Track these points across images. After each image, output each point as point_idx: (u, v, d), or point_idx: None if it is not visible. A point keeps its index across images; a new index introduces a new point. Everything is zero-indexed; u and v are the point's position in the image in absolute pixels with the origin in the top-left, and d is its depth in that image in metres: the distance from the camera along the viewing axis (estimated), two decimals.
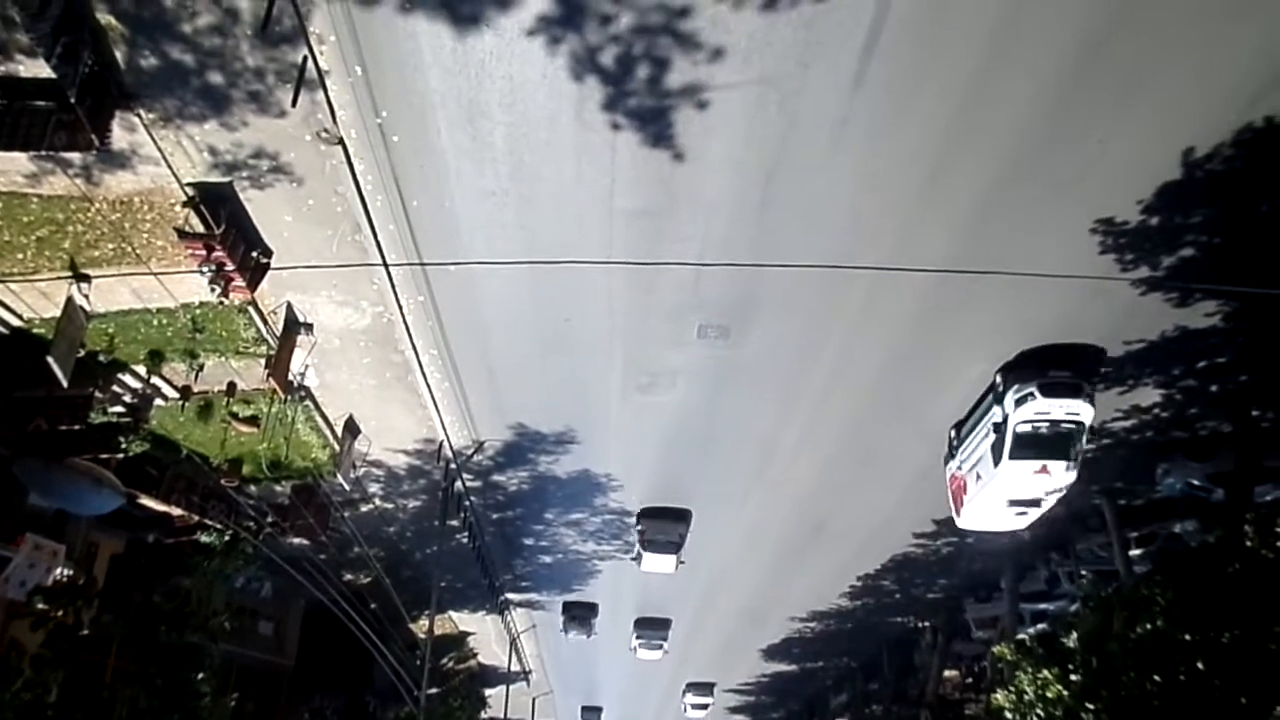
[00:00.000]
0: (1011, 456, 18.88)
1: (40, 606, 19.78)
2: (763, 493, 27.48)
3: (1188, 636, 16.20)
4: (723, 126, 14.04)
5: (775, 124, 13.97)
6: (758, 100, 13.56)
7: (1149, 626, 17.03)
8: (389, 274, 17.67)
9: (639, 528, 29.64)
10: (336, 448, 24.67)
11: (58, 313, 17.13)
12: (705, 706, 55.72)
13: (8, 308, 17.86)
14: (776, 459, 25.21)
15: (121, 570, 26.65)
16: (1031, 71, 13.04)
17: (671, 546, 29.44)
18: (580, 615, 39.65)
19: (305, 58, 13.00)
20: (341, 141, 14.60)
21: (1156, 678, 16.30)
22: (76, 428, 20.07)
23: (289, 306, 19.29)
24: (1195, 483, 23.30)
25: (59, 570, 22.21)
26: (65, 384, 17.62)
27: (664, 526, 29.38)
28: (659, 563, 30.02)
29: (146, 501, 24.38)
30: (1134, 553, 25.79)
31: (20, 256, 16.57)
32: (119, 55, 13.08)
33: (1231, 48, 12.53)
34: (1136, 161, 14.50)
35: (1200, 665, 15.76)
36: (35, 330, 18.29)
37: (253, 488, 26.63)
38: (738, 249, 16.67)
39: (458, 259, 17.20)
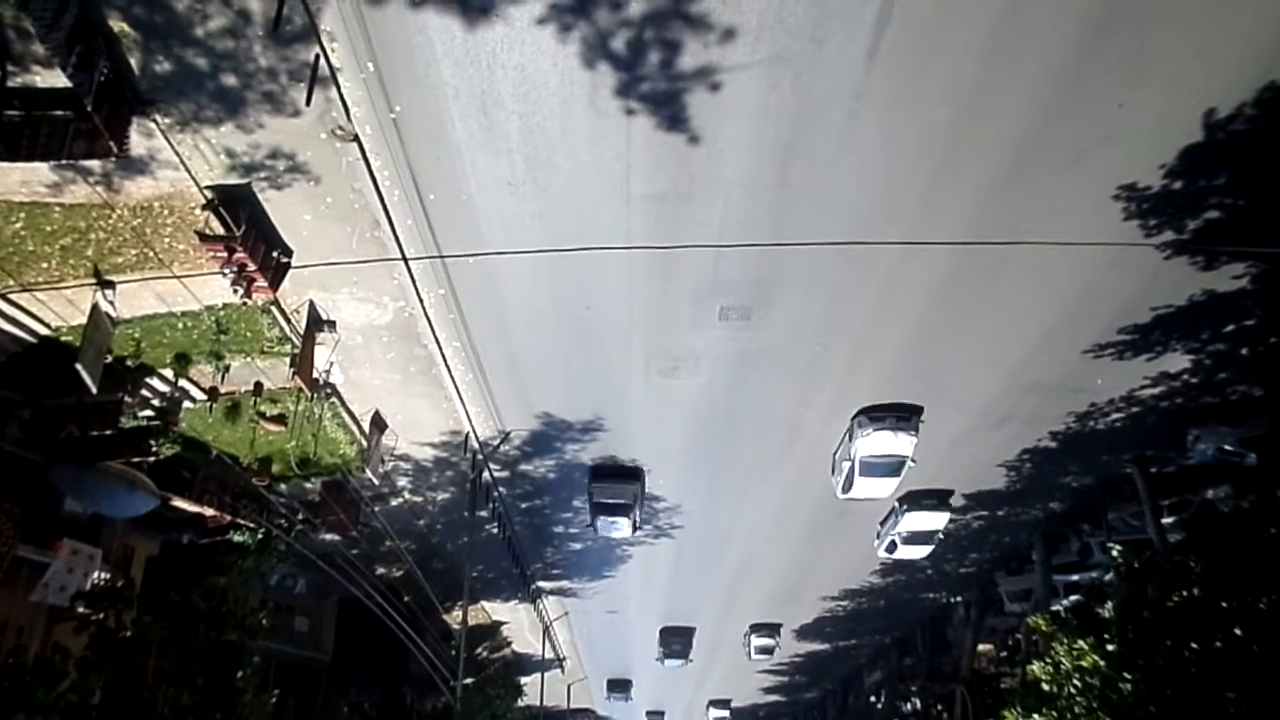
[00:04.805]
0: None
1: (80, 610, 20.01)
2: (790, 473, 27.45)
3: (1224, 603, 16.06)
4: (737, 107, 13.97)
5: (790, 102, 13.88)
6: (771, 79, 13.48)
7: (1184, 594, 16.90)
8: (409, 268, 17.72)
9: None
10: (364, 443, 24.81)
11: (84, 320, 17.29)
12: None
13: (35, 317, 18.03)
14: (802, 439, 25.16)
15: (158, 572, 26.93)
16: (1048, 37, 12.89)
17: None
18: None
19: (317, 56, 13.02)
20: (357, 138, 14.64)
21: (1194, 645, 16.19)
22: (108, 433, 20.26)
23: (311, 305, 19.39)
24: (1227, 448, 23.12)
25: (96, 574, 22.47)
26: (94, 390, 17.78)
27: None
28: None
29: (179, 503, 24.60)
30: (1166, 521, 25.65)
31: (45, 265, 16.72)
32: (133, 62, 13.15)
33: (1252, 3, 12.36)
34: (1158, 125, 14.32)
35: (1238, 631, 15.63)
36: (63, 338, 18.47)
37: (283, 486, 26.85)
38: (757, 230, 16.60)
39: (477, 251, 17.23)
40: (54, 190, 15.16)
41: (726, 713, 63.44)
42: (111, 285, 17.21)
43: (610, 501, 28.01)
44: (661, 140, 14.55)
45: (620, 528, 28.74)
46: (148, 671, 25.53)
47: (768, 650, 45.41)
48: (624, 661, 54.01)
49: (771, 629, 44.61)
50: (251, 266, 16.43)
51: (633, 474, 27.82)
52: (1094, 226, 16.10)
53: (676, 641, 46.30)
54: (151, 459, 21.97)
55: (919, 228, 16.40)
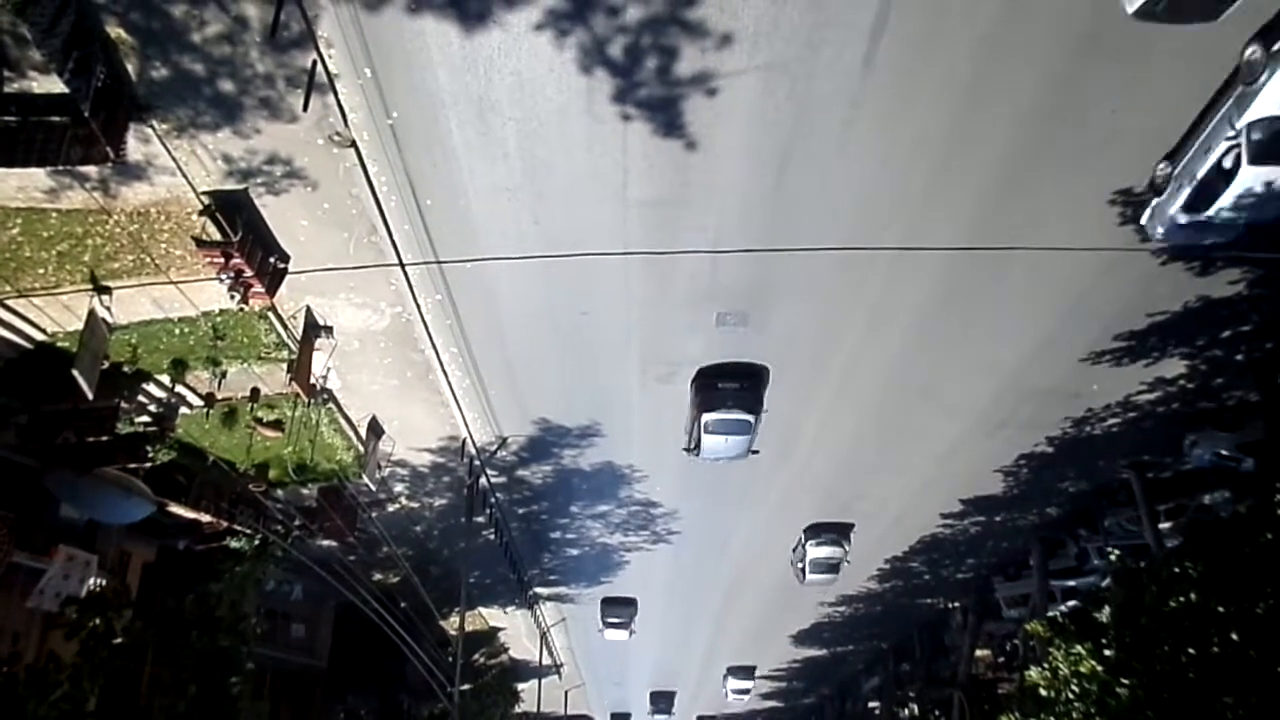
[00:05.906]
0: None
1: (75, 616, 19.96)
2: (786, 478, 27.42)
3: (1221, 608, 16.06)
4: (733, 113, 13.98)
5: (786, 109, 13.90)
6: (767, 85, 13.49)
7: (1181, 599, 16.90)
8: (406, 274, 17.72)
9: None
10: (361, 449, 24.79)
11: (81, 326, 17.26)
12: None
13: (31, 323, 18.00)
14: (800, 444, 25.14)
15: (153, 578, 26.86)
16: (1041, 42, 12.91)
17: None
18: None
19: (314, 62, 13.03)
20: (354, 144, 14.65)
21: (1190, 650, 16.19)
22: (104, 438, 20.23)
23: (308, 310, 19.37)
24: (1224, 453, 23.10)
25: (92, 580, 22.40)
26: (91, 396, 17.75)
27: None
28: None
29: (176, 509, 24.55)
30: (1163, 526, 25.66)
31: (42, 271, 16.70)
32: (131, 67, 13.16)
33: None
34: (1151, 129, 14.33)
35: (1234, 636, 15.63)
36: (60, 344, 18.43)
37: (280, 492, 26.82)
38: (754, 235, 16.62)
39: (474, 256, 17.22)
40: (51, 196, 15.14)
41: (750, 683, 53.16)
42: (108, 291, 17.20)
43: (615, 620, 39.26)
44: (658, 146, 14.55)
45: (621, 635, 40.44)
46: (142, 678, 25.46)
47: (833, 567, 32.20)
48: (621, 667, 53.86)
49: (841, 530, 31.73)
50: (248, 272, 16.44)
51: (629, 602, 38.82)
52: (1090, 231, 16.11)
53: (662, 701, 59.66)
54: (148, 465, 21.90)
55: (915, 233, 16.41)
